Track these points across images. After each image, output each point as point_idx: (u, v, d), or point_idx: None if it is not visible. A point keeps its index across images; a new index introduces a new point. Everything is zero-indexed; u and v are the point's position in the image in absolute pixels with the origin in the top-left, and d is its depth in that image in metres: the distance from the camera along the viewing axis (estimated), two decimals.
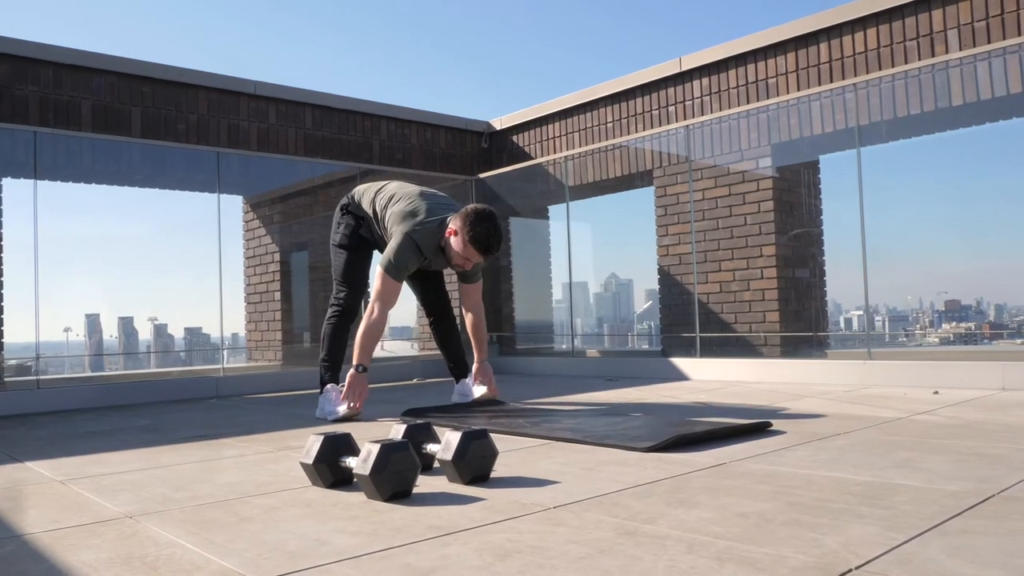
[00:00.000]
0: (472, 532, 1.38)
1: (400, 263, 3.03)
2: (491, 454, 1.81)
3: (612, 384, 4.36)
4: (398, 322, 7.78)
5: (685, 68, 5.30)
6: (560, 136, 6.19)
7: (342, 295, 3.31)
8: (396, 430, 1.95)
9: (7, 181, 4.48)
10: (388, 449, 1.63)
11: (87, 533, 1.46)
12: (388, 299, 3.06)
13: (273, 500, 1.70)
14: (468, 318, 3.39)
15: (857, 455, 1.98)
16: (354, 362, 3.02)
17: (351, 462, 1.78)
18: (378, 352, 4.86)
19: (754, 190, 4.96)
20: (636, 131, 5.60)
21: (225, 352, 4.71)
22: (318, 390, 3.24)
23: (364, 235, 3.32)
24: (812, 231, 5.17)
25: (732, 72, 5.12)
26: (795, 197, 5.06)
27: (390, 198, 3.20)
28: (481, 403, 3.30)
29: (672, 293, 5.34)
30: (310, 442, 1.82)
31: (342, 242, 3.33)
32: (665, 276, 5.37)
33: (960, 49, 4.15)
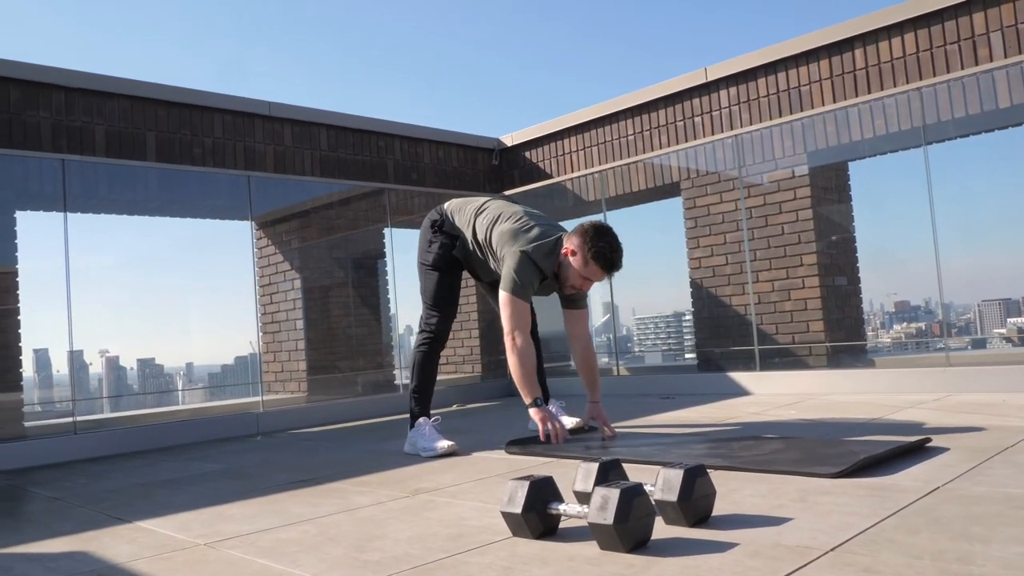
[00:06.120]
0: None
1: (524, 281, 2.82)
2: (712, 492, 1.66)
3: (671, 403, 4.24)
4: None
5: (711, 78, 5.25)
6: (577, 151, 6.09)
7: (433, 320, 3.10)
8: (586, 468, 1.79)
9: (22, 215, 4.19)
10: (629, 495, 1.48)
11: None
12: (524, 321, 2.84)
13: (491, 557, 1.52)
14: (576, 351, 3.12)
15: None
16: (528, 400, 2.82)
17: (562, 508, 1.62)
18: (405, 380, 4.61)
19: (791, 199, 4.92)
20: (660, 144, 5.52)
21: (261, 385, 4.45)
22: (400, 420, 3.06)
23: (457, 255, 3.14)
24: (847, 236, 5.15)
25: (761, 81, 5.07)
26: (829, 204, 5.03)
27: (495, 217, 3.02)
28: (576, 432, 3.14)
29: (706, 306, 5.25)
30: (511, 488, 1.65)
31: (436, 263, 3.12)
32: (698, 289, 5.29)
33: (1005, 53, 4.16)
